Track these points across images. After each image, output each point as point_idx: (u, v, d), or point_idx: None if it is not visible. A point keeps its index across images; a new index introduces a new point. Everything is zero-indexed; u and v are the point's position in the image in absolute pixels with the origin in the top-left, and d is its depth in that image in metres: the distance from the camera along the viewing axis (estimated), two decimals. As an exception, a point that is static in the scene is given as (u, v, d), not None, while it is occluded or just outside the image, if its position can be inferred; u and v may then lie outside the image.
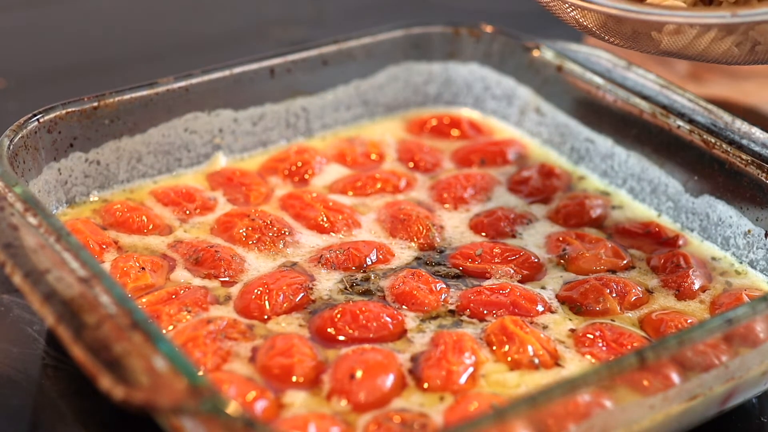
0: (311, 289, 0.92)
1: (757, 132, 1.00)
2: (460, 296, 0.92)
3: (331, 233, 1.00)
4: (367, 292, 0.93)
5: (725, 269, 0.99)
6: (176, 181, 1.07)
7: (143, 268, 0.92)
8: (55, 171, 1.00)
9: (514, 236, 1.01)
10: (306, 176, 1.09)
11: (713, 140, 1.01)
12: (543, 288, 0.95)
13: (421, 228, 1.00)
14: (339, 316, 0.88)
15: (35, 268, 0.77)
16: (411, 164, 1.12)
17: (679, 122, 1.04)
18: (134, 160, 1.05)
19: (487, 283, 0.95)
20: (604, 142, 1.11)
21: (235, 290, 0.92)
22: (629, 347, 0.87)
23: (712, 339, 0.78)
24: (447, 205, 1.05)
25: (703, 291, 0.96)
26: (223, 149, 1.10)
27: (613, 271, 0.97)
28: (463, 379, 0.83)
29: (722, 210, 1.02)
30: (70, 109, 1.00)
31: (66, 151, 1.01)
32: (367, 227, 1.02)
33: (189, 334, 0.85)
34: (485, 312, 0.91)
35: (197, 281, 0.93)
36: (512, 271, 0.96)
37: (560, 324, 0.90)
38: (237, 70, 1.09)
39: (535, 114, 1.18)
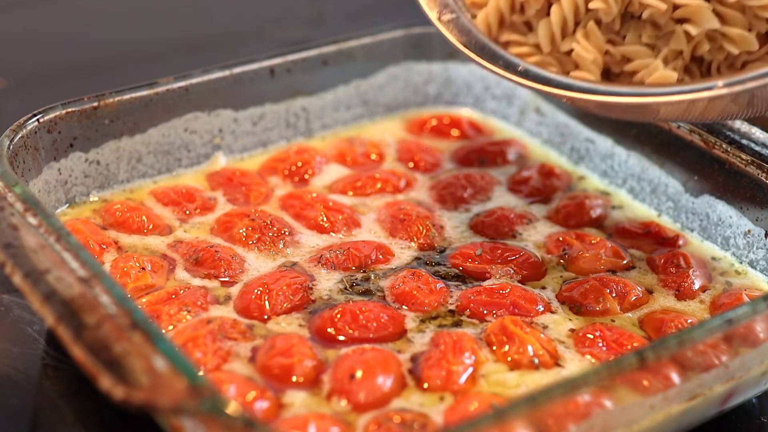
0: (311, 289, 0.92)
1: (757, 132, 1.00)
2: (460, 296, 0.92)
3: (331, 233, 1.00)
4: (367, 292, 0.93)
5: (725, 269, 0.99)
6: (176, 181, 1.07)
7: (143, 269, 0.92)
8: (55, 171, 1.00)
9: (514, 236, 1.01)
10: (306, 176, 1.08)
11: (713, 140, 1.01)
12: (543, 288, 0.95)
13: (421, 228, 1.00)
14: (339, 316, 0.88)
15: (35, 268, 0.77)
16: (411, 164, 1.12)
17: (679, 122, 1.04)
18: (134, 160, 1.05)
19: (487, 283, 0.95)
20: (604, 142, 1.11)
21: (235, 290, 0.92)
22: (629, 347, 0.87)
23: (712, 339, 0.78)
24: (447, 205, 1.05)
25: (703, 291, 0.96)
26: (223, 149, 1.10)
27: (613, 271, 0.97)
28: (463, 379, 0.83)
29: (722, 210, 1.02)
30: (70, 109, 1.00)
31: (66, 151, 1.01)
32: (367, 227, 1.02)
33: (189, 334, 0.85)
34: (485, 312, 0.91)
35: (197, 281, 0.93)
36: (512, 271, 0.96)
37: (560, 324, 0.90)
38: (237, 70, 1.09)
39: (535, 114, 1.18)
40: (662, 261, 0.98)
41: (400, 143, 1.15)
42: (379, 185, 1.07)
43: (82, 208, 1.02)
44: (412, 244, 0.99)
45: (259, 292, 0.90)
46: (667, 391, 0.78)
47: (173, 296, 0.90)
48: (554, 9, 0.93)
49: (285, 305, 0.90)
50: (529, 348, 0.86)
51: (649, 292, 0.95)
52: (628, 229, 1.03)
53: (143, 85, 1.05)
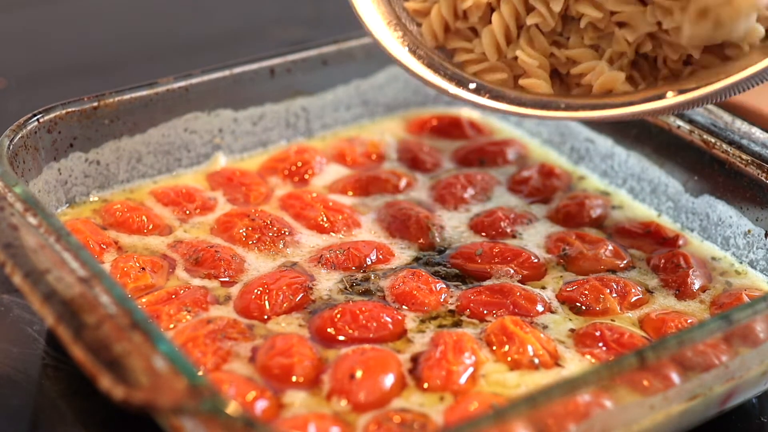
0: (311, 289, 0.92)
1: (757, 132, 1.00)
2: (460, 296, 0.92)
3: (331, 233, 1.00)
4: (367, 292, 0.93)
5: (725, 269, 0.99)
6: (176, 181, 1.07)
7: (143, 269, 0.92)
8: (55, 171, 1.00)
9: (514, 236, 1.01)
10: (306, 176, 1.08)
11: (713, 140, 1.01)
12: (543, 288, 0.95)
13: (421, 228, 1.00)
14: (339, 316, 0.88)
15: (35, 268, 0.77)
16: (411, 164, 1.12)
17: (679, 122, 1.04)
18: (134, 160, 1.05)
19: (487, 283, 0.95)
20: (604, 142, 1.11)
21: (234, 290, 0.92)
22: (629, 347, 0.87)
23: (712, 339, 0.78)
24: (447, 205, 1.05)
25: (703, 291, 0.96)
26: (223, 149, 1.10)
27: (613, 271, 0.97)
28: (463, 379, 0.83)
29: (722, 210, 1.02)
30: (70, 109, 1.00)
31: (66, 151, 1.01)
32: (367, 227, 1.02)
33: (189, 334, 0.85)
34: (485, 312, 0.91)
35: (197, 281, 0.93)
36: (512, 271, 0.96)
37: (560, 324, 0.90)
38: (237, 70, 1.09)
39: (535, 114, 1.18)
40: (662, 261, 0.98)
41: (401, 143, 1.15)
42: (379, 185, 1.07)
43: (82, 208, 1.02)
44: (412, 244, 0.99)
45: (259, 292, 0.90)
46: (667, 391, 0.78)
47: (173, 296, 0.90)
48: (495, 17, 0.93)
49: (285, 305, 0.90)
50: (529, 348, 0.86)
51: (649, 292, 0.95)
52: (628, 229, 1.03)
53: (143, 85, 1.05)
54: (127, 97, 1.04)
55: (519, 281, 0.95)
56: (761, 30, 0.87)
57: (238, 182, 1.06)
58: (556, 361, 0.86)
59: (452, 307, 0.92)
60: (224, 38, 1.50)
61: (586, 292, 0.93)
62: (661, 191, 1.06)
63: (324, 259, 0.95)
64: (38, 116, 0.98)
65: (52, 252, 0.79)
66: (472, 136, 1.18)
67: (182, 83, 1.06)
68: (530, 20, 0.92)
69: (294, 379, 0.82)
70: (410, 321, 0.90)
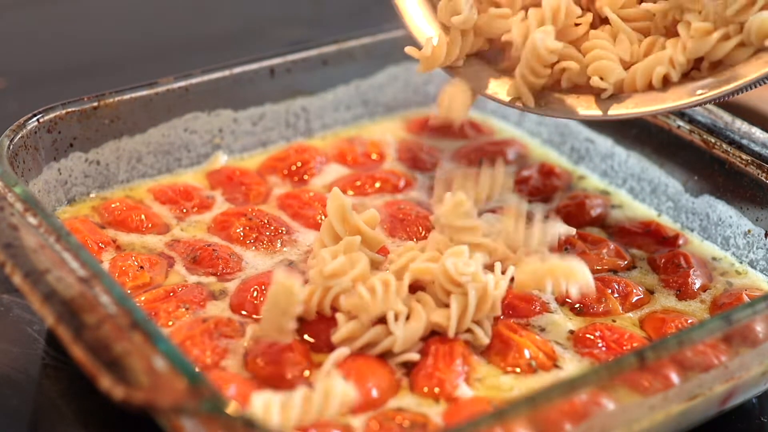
0: (311, 289, 0.92)
1: (757, 132, 1.00)
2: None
3: (331, 233, 1.00)
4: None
5: (726, 269, 0.99)
6: (176, 181, 1.07)
7: (142, 267, 0.92)
8: (55, 171, 1.00)
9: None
10: (306, 176, 1.08)
11: (713, 140, 1.01)
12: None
13: (420, 228, 1.00)
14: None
15: (35, 268, 0.77)
16: (411, 164, 1.12)
17: (679, 122, 1.04)
18: (134, 160, 1.05)
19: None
20: (604, 142, 1.11)
21: (231, 286, 0.92)
22: (629, 348, 0.87)
23: (712, 339, 0.78)
24: (447, 205, 1.05)
25: (704, 291, 0.96)
26: (223, 149, 1.10)
27: (615, 271, 0.97)
28: (454, 386, 0.82)
29: (722, 210, 1.02)
30: (70, 109, 1.00)
31: (66, 151, 1.01)
32: (367, 227, 1.02)
33: (186, 332, 0.85)
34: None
35: (195, 279, 0.93)
36: (512, 271, 0.95)
37: (559, 325, 0.90)
38: (237, 70, 1.09)
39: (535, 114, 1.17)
40: (663, 261, 0.98)
41: (401, 143, 1.15)
42: (378, 184, 1.07)
43: (80, 206, 1.02)
44: (412, 243, 0.99)
45: (255, 293, 0.90)
46: (667, 391, 0.78)
47: (171, 294, 0.90)
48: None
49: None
50: (526, 352, 0.85)
51: (650, 292, 0.95)
52: (628, 228, 1.03)
53: (143, 85, 1.05)
54: (127, 97, 1.04)
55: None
56: None
57: (238, 181, 1.06)
58: (554, 362, 0.86)
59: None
60: (224, 38, 1.50)
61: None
62: (661, 191, 1.06)
63: (324, 259, 0.95)
64: (38, 116, 0.98)
65: (52, 252, 0.79)
66: (472, 136, 1.18)
67: (182, 83, 1.06)
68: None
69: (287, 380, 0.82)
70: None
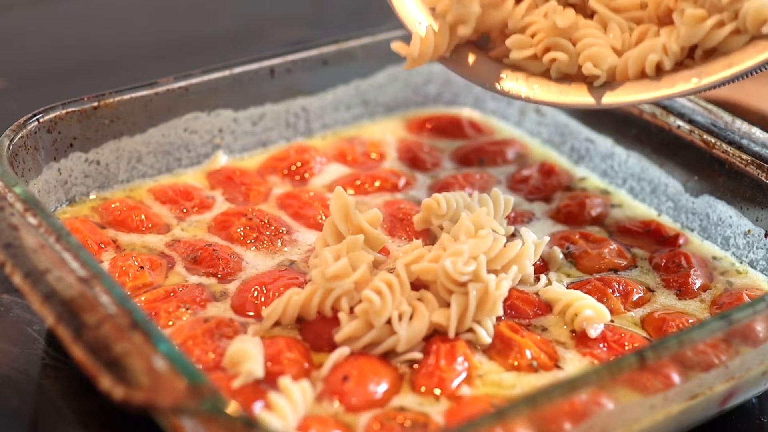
0: (311, 289, 0.92)
1: (757, 132, 1.00)
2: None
3: (331, 233, 1.00)
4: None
5: (726, 269, 0.99)
6: (176, 181, 1.07)
7: (142, 267, 0.92)
8: (55, 171, 1.00)
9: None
10: (306, 175, 1.08)
11: (713, 140, 1.01)
12: (543, 288, 0.95)
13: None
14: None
15: (35, 268, 0.77)
16: (411, 164, 1.12)
17: (679, 122, 1.04)
18: (134, 160, 1.05)
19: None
20: (604, 142, 1.11)
21: (232, 287, 0.92)
22: (630, 347, 0.87)
23: (712, 339, 0.78)
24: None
25: (704, 290, 0.96)
26: (223, 149, 1.10)
27: (615, 271, 0.97)
28: (455, 385, 0.82)
29: (722, 210, 1.02)
30: (70, 109, 1.00)
31: (66, 151, 1.01)
32: (367, 227, 1.02)
33: (187, 332, 0.85)
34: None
35: (195, 279, 0.93)
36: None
37: (561, 325, 0.90)
38: (237, 70, 1.09)
39: (535, 114, 1.18)
40: (663, 261, 0.98)
41: (401, 143, 1.15)
42: (378, 184, 1.07)
43: (80, 206, 1.02)
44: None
45: (256, 293, 0.90)
46: (667, 391, 0.78)
47: (171, 294, 0.90)
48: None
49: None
50: (527, 352, 0.85)
51: (651, 291, 0.95)
52: (628, 228, 1.03)
53: (143, 85, 1.05)
54: (127, 97, 1.04)
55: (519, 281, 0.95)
56: None
57: (238, 181, 1.06)
58: (555, 362, 0.86)
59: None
60: (224, 38, 1.50)
61: (589, 293, 0.92)
62: (661, 191, 1.06)
63: (324, 258, 0.95)
64: (38, 116, 0.98)
65: (52, 252, 0.79)
66: (472, 135, 1.18)
67: (182, 83, 1.06)
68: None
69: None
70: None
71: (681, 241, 1.02)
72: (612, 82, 0.92)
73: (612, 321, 0.91)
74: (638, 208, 1.07)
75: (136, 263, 0.93)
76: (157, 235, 0.99)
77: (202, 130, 1.09)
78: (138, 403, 0.68)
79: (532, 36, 0.93)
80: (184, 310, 0.88)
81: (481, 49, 0.98)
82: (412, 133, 1.18)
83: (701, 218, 1.03)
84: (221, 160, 1.10)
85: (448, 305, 0.86)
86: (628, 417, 0.77)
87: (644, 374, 0.76)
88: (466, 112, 1.22)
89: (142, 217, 0.99)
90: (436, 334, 0.86)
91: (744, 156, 0.99)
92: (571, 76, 0.93)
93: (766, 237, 0.98)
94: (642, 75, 0.91)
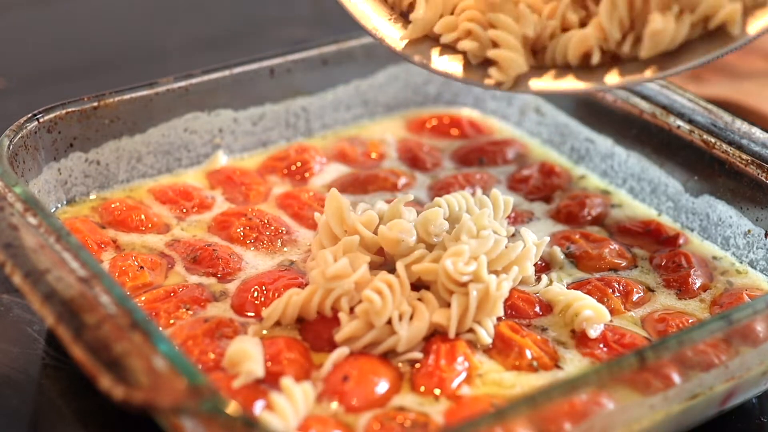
0: (311, 289, 0.92)
1: (757, 132, 1.00)
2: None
3: (331, 233, 1.00)
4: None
5: (726, 268, 0.99)
6: (176, 181, 1.07)
7: (142, 267, 0.92)
8: (54, 171, 1.00)
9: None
10: (306, 175, 1.09)
11: (713, 140, 1.01)
12: (544, 288, 0.95)
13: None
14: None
15: (35, 268, 0.77)
16: (411, 163, 1.12)
17: (679, 122, 1.04)
18: (134, 160, 1.05)
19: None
20: (604, 142, 1.11)
21: (232, 287, 0.92)
22: (630, 348, 0.87)
23: (712, 339, 0.78)
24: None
25: (704, 290, 0.96)
26: (223, 149, 1.10)
27: (615, 270, 0.97)
28: (455, 385, 0.82)
29: (722, 210, 1.02)
30: (70, 109, 1.00)
31: (66, 151, 1.01)
32: (367, 227, 1.02)
33: (187, 332, 0.85)
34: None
35: (195, 279, 0.93)
36: (513, 271, 0.95)
37: (561, 325, 0.90)
38: (237, 70, 1.09)
39: (535, 114, 1.18)
40: (664, 260, 0.98)
41: (401, 143, 1.15)
42: (377, 183, 1.07)
43: (80, 206, 1.02)
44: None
45: (255, 293, 0.90)
46: (667, 391, 0.78)
47: (171, 294, 0.90)
48: None
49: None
50: (528, 352, 0.85)
51: (651, 290, 0.95)
52: (628, 227, 1.03)
53: (143, 85, 1.05)
54: (127, 97, 1.04)
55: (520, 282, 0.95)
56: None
57: (238, 181, 1.06)
58: (555, 362, 0.86)
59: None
60: (224, 38, 1.50)
61: (589, 293, 0.92)
62: (661, 191, 1.06)
63: (324, 258, 0.95)
64: (38, 116, 0.98)
65: (52, 252, 0.79)
66: (472, 135, 1.18)
67: (182, 83, 1.06)
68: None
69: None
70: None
71: (681, 241, 1.02)
72: (543, 67, 0.85)
73: (611, 321, 0.91)
74: (638, 208, 1.07)
75: (136, 263, 0.93)
76: (157, 235, 0.99)
77: (202, 130, 1.09)
78: (138, 403, 0.68)
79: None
80: (184, 310, 0.88)
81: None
82: (412, 133, 1.18)
83: (701, 218, 1.03)
84: (221, 160, 1.10)
85: (448, 305, 0.86)
86: (628, 417, 0.77)
87: (644, 374, 0.76)
88: (466, 112, 1.22)
89: (142, 217, 0.99)
90: (436, 334, 0.86)
91: (744, 156, 0.99)
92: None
93: (766, 237, 0.98)
94: (581, 62, 0.84)
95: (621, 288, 0.94)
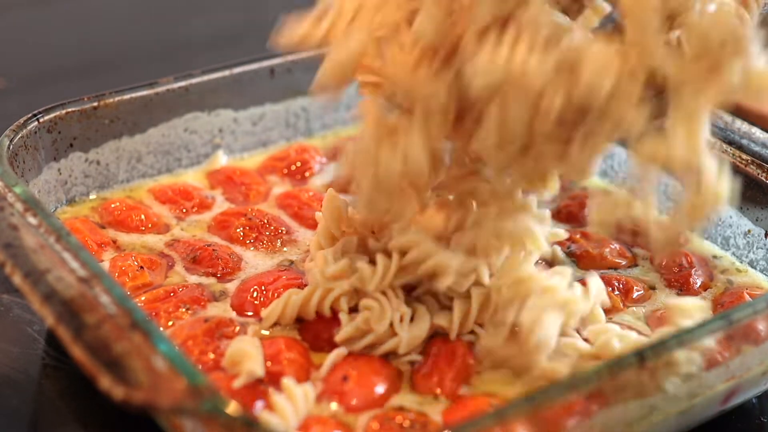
0: (311, 289, 0.92)
1: (757, 132, 1.00)
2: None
3: (331, 233, 1.00)
4: (366, 292, 0.92)
5: (726, 267, 0.99)
6: (176, 181, 1.07)
7: (142, 267, 0.92)
8: (55, 171, 1.00)
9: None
10: (306, 175, 1.08)
11: (713, 140, 1.01)
12: (543, 288, 0.94)
13: (421, 228, 1.00)
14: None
15: (35, 268, 0.77)
16: (411, 164, 1.12)
17: (679, 122, 1.04)
18: (134, 160, 1.05)
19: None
20: (604, 142, 1.11)
21: (231, 287, 0.92)
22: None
23: (713, 338, 0.78)
24: (447, 205, 1.05)
25: (705, 289, 0.96)
26: (223, 149, 1.10)
27: (616, 269, 0.97)
28: (455, 384, 0.82)
29: (722, 210, 1.01)
30: (70, 109, 1.00)
31: (66, 151, 1.01)
32: (367, 227, 1.02)
33: (187, 332, 0.85)
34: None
35: (195, 279, 0.93)
36: (513, 271, 0.95)
37: (560, 324, 0.90)
38: (237, 70, 1.09)
39: (535, 114, 1.17)
40: (664, 260, 0.98)
41: (400, 143, 1.15)
42: (378, 184, 1.07)
43: (80, 206, 1.02)
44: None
45: (255, 293, 0.90)
46: (667, 391, 0.78)
47: (171, 294, 0.90)
48: None
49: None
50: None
51: (651, 289, 0.95)
52: (629, 227, 1.03)
53: (143, 85, 1.05)
54: (127, 97, 1.04)
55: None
56: None
57: (238, 181, 1.06)
58: (555, 362, 0.86)
59: (452, 308, 0.91)
60: (224, 38, 1.50)
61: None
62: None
63: (324, 258, 0.95)
64: (38, 116, 0.98)
65: (52, 252, 0.79)
66: (472, 135, 1.18)
67: (182, 83, 1.06)
68: None
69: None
70: (409, 321, 0.89)
71: (681, 240, 1.02)
72: None
73: (610, 319, 0.90)
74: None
75: (136, 263, 0.93)
76: (157, 235, 0.99)
77: (202, 130, 1.09)
78: (138, 403, 0.68)
79: None
80: (183, 310, 0.88)
81: None
82: (412, 133, 1.18)
83: (701, 218, 1.03)
84: (221, 160, 1.10)
85: (448, 308, 0.86)
86: (628, 417, 0.77)
87: (644, 374, 0.76)
88: (466, 112, 1.21)
89: (142, 217, 0.99)
90: (437, 335, 0.86)
91: (744, 156, 0.99)
92: None
93: (766, 237, 0.98)
94: None
95: (620, 285, 0.94)
